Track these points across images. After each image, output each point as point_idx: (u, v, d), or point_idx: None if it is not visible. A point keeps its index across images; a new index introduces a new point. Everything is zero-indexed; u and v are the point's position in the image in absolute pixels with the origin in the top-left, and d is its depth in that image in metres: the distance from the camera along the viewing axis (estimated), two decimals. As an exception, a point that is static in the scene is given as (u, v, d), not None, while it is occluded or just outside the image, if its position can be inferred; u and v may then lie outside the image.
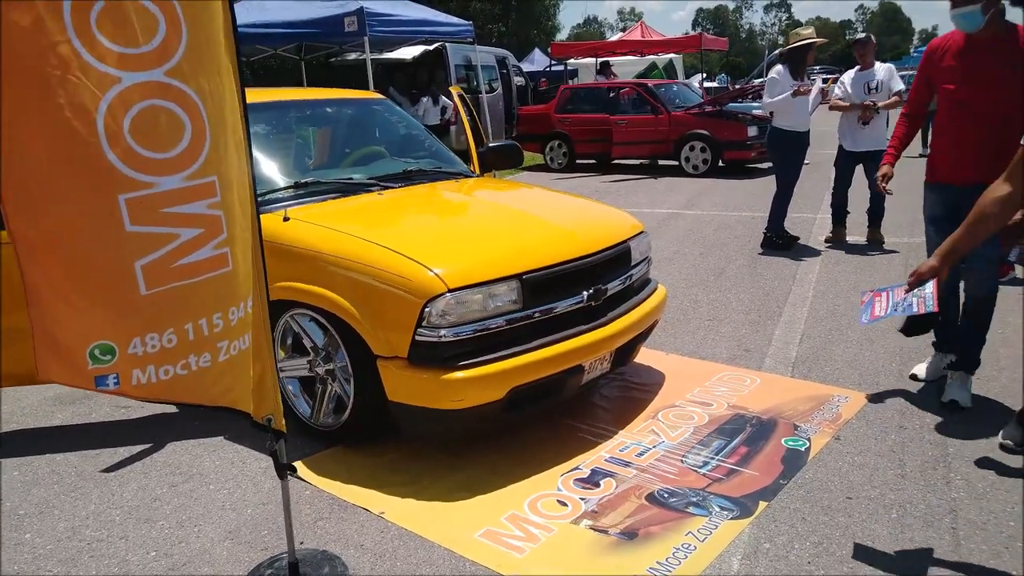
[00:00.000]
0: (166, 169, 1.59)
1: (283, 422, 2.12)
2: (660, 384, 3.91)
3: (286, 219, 3.25)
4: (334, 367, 3.15)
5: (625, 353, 3.53)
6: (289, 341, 3.32)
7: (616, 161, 13.45)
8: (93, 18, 1.46)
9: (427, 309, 2.80)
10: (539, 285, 3.07)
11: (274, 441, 2.11)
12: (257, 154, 3.74)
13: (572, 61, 19.65)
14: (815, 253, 6.72)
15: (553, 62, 19.48)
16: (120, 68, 1.51)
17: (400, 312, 2.85)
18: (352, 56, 14.42)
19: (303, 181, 3.62)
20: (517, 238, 3.26)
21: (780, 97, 6.59)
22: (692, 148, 12.38)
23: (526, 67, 22.39)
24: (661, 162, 12.93)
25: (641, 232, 3.84)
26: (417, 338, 2.83)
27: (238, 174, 1.79)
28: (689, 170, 12.41)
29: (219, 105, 1.68)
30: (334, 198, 3.57)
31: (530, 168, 14.41)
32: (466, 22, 9.56)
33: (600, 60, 16.25)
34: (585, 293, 3.23)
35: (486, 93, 16.53)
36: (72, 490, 3.05)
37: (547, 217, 3.53)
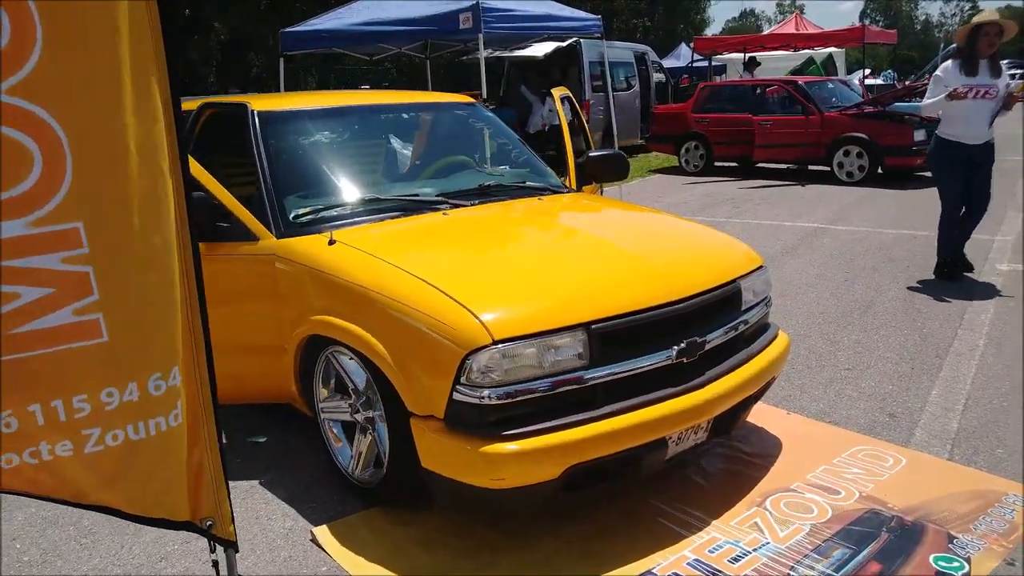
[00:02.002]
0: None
1: (231, 528, 1.67)
2: (775, 457, 3.18)
3: (331, 242, 2.83)
4: (374, 415, 2.71)
5: (728, 421, 2.86)
6: (332, 380, 2.91)
7: (760, 165, 12.33)
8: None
9: (467, 363, 2.29)
10: (613, 337, 2.48)
11: (218, 550, 1.66)
12: (309, 166, 3.38)
13: (720, 57, 18.47)
14: (991, 288, 5.60)
15: (697, 58, 18.40)
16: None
17: (437, 364, 2.36)
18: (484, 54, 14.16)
19: (363, 198, 3.19)
20: (592, 276, 2.67)
21: (931, 100, 5.53)
22: (847, 153, 11.11)
23: (671, 63, 21.39)
24: (812, 167, 11.71)
25: (759, 268, 3.13)
26: (455, 397, 2.32)
27: (155, 219, 1.36)
28: (843, 177, 11.15)
29: (106, 133, 1.25)
30: (394, 218, 3.13)
31: (663, 170, 13.58)
32: (594, 16, 8.93)
33: (747, 56, 15.07)
34: (675, 348, 2.60)
35: (622, 91, 15.86)
36: (87, 535, 2.79)
37: (635, 249, 2.91)
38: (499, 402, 2.30)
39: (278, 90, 9.33)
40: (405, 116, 3.86)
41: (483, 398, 2.29)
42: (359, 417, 2.77)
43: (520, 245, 2.93)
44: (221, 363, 3.25)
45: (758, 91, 12.32)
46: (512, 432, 2.30)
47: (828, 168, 11.29)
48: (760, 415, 3.43)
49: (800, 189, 10.94)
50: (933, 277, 5.83)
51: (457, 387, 2.31)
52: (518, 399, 2.33)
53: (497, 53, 14.28)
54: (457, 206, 3.28)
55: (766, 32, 18.83)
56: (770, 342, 3.12)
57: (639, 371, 2.53)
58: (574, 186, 4.16)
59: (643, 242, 3.05)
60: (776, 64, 18.60)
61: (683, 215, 9.15)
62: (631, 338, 2.54)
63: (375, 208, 3.16)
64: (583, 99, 14.41)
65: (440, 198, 3.30)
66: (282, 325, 2.94)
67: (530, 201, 3.51)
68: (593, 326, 2.44)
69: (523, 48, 13.89)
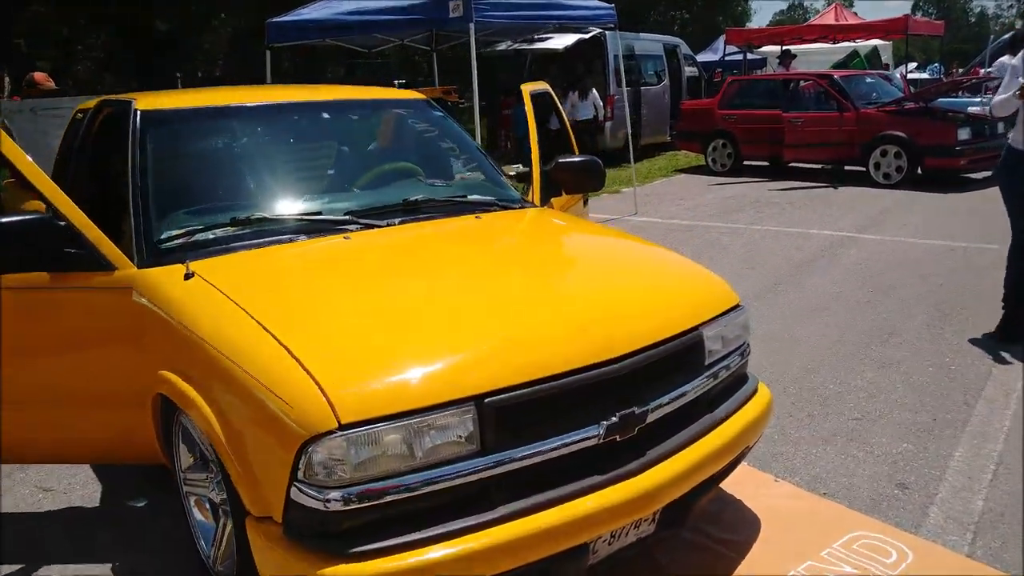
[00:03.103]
0: None
1: None
2: (750, 543, 2.57)
3: (188, 276, 2.30)
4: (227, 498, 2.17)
5: (683, 509, 2.26)
6: (197, 447, 2.37)
7: (793, 165, 11.50)
8: None
9: (306, 454, 1.73)
10: (516, 412, 1.90)
11: None
12: (197, 178, 2.86)
13: (761, 50, 17.51)
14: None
15: (732, 50, 17.55)
16: None
17: (271, 453, 1.80)
18: (502, 46, 13.56)
19: (250, 217, 2.64)
20: (499, 327, 2.08)
21: (1002, 97, 4.29)
22: (884, 153, 10.28)
23: (709, 57, 20.45)
24: (848, 168, 10.86)
25: (732, 309, 2.52)
26: (293, 497, 1.77)
27: None
28: (879, 179, 10.32)
29: None
30: (284, 242, 2.57)
31: (689, 170, 12.86)
32: (606, 5, 8.25)
33: (782, 48, 14.20)
34: (604, 423, 2.01)
35: (651, 86, 15.12)
36: None
37: (568, 290, 2.33)
38: (350, 507, 1.74)
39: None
40: (326, 116, 3.30)
41: (328, 501, 1.73)
42: (215, 496, 2.24)
43: (419, 283, 2.35)
44: (80, 416, 2.81)
45: (789, 86, 11.54)
46: (367, 548, 1.74)
47: (865, 169, 10.47)
48: (739, 482, 2.81)
49: (832, 192, 10.16)
50: (993, 331, 4.45)
51: (295, 484, 1.75)
52: (378, 502, 1.76)
53: (516, 46, 13.69)
54: (370, 227, 2.72)
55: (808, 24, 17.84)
56: (743, 403, 2.50)
57: (552, 456, 1.95)
58: (536, 199, 3.57)
59: (582, 280, 2.46)
60: (818, 57, 17.61)
61: (700, 219, 8.56)
62: (542, 413, 1.96)
63: (263, 230, 2.60)
64: (607, 93, 13.75)
65: (349, 217, 2.74)
66: (141, 374, 2.41)
67: (462, 221, 2.93)
68: (488, 399, 1.86)
69: (544, 40, 13.26)
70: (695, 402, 2.32)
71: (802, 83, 11.28)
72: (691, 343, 2.31)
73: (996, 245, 6.58)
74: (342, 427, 1.72)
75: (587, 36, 13.39)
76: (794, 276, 5.96)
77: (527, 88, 4.08)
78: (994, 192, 4.89)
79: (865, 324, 4.79)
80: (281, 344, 1.89)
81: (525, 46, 13.48)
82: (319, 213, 2.76)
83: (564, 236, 3.02)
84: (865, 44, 18.07)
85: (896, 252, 6.64)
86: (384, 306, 2.18)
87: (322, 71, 19.14)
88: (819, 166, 11.45)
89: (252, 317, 2.02)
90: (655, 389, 2.17)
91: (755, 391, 2.61)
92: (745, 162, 12.03)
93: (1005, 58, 10.28)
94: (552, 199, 3.79)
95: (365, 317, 2.11)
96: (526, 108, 3.99)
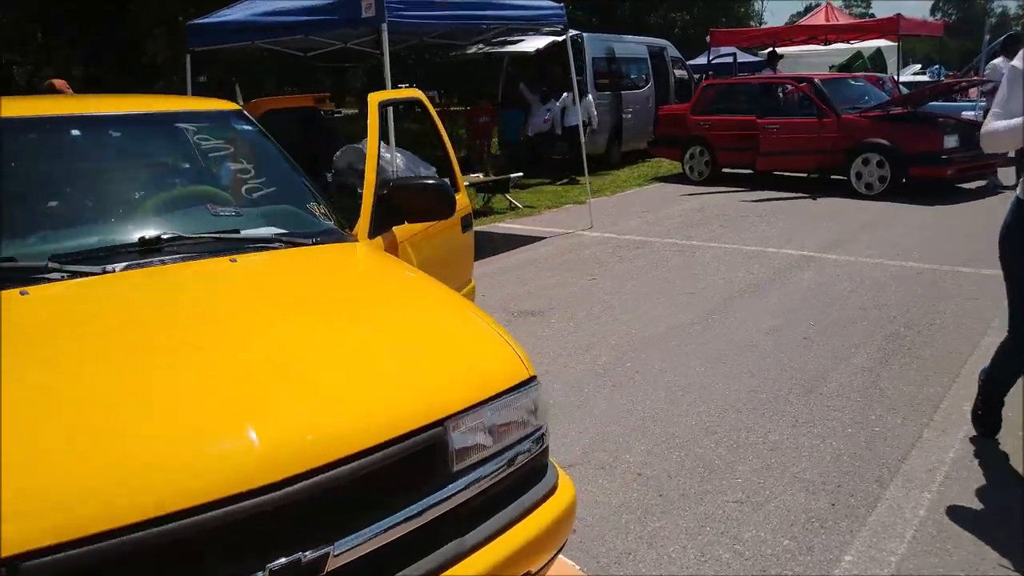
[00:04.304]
0: None
1: None
2: None
3: None
4: None
5: None
6: None
7: (777, 173, 10.79)
8: None
9: None
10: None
11: None
12: None
13: (773, 50, 16.62)
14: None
15: (725, 51, 16.85)
16: None
17: None
18: (471, 50, 12.97)
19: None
20: (88, 449, 1.48)
21: (1006, 125, 2.74)
22: (866, 161, 9.60)
23: (715, 59, 19.67)
24: (834, 177, 10.15)
25: (513, 388, 1.93)
26: None
27: None
28: (861, 189, 9.65)
29: None
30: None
31: (668, 178, 12.22)
32: (555, 5, 7.62)
33: (769, 50, 13.50)
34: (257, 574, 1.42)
35: (633, 89, 14.49)
36: None
37: (253, 377, 1.73)
38: None
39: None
40: (76, 133, 2.72)
41: None
42: None
43: (46, 373, 1.77)
44: None
45: (768, 90, 10.87)
46: None
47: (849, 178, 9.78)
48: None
49: (810, 203, 9.49)
50: (972, 425, 3.32)
51: None
52: None
53: (487, 49, 13.11)
54: (77, 275, 2.15)
55: (801, 23, 17.02)
56: (525, 513, 1.90)
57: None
58: (364, 228, 2.99)
59: (287, 361, 1.84)
60: (813, 60, 16.87)
61: (656, 235, 7.87)
62: (147, 570, 1.37)
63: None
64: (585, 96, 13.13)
65: (50, 264, 2.16)
66: None
67: (206, 266, 2.34)
68: (27, 563, 1.28)
69: (516, 43, 12.66)
70: (432, 525, 1.72)
71: (780, 87, 10.60)
72: (421, 447, 1.70)
73: (970, 268, 5.93)
74: None
75: (560, 39, 12.79)
76: (733, 304, 5.33)
77: (375, 98, 3.49)
78: (981, 205, 4.23)
79: (794, 367, 4.16)
80: None
81: (496, 49, 12.89)
82: (11, 259, 2.19)
83: (325, 289, 2.40)
84: (868, 45, 17.31)
85: (857, 275, 5.98)
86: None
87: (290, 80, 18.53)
88: (804, 175, 10.79)
89: None
90: (351, 520, 1.58)
91: (552, 490, 2.01)
92: (725, 170, 11.38)
93: (998, 60, 9.55)
94: (394, 227, 3.22)
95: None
96: (369, 121, 3.41)
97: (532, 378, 2.02)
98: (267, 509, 1.45)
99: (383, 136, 8.00)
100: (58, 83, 6.45)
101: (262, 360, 1.82)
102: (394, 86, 6.80)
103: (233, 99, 4.28)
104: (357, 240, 2.91)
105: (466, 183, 9.54)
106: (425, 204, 3.06)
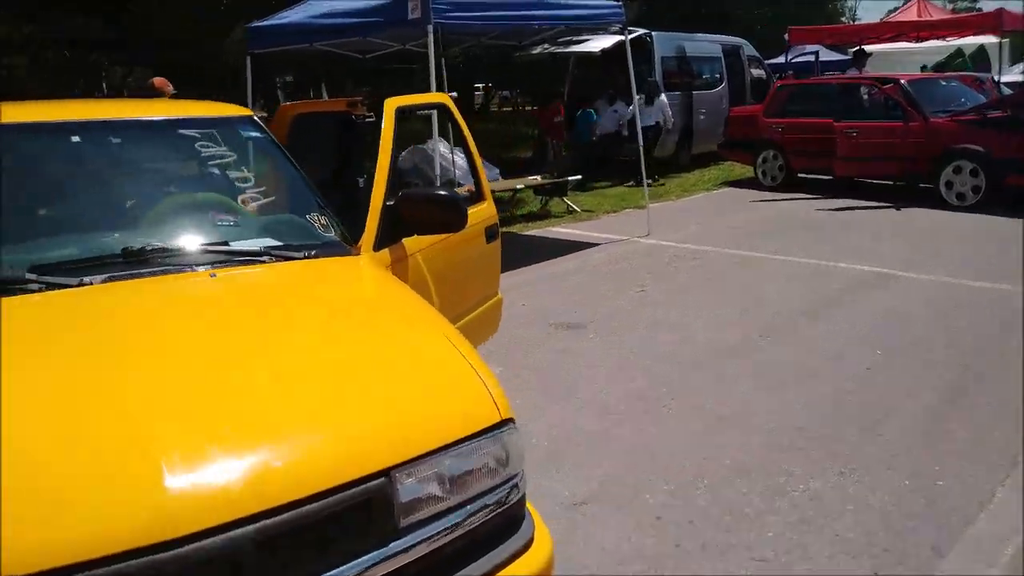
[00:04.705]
0: None
1: None
2: None
3: None
4: None
5: None
6: None
7: (860, 179, 10.05)
8: None
9: None
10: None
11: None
12: None
13: (860, 49, 15.67)
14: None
15: (808, 49, 16.01)
16: None
17: None
18: (536, 50, 12.68)
19: None
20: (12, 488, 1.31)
21: None
22: (957, 170, 8.86)
23: (796, 58, 18.77)
24: (923, 185, 9.42)
25: (481, 433, 1.69)
26: None
27: None
28: (951, 200, 8.91)
29: None
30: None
31: (740, 183, 11.66)
32: (614, 4, 7.27)
33: (856, 48, 12.70)
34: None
35: (705, 90, 13.93)
36: None
37: (193, 415, 1.52)
38: None
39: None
40: (76, 140, 2.58)
41: None
42: None
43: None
44: None
45: (847, 91, 10.18)
46: None
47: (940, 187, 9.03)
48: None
49: (893, 214, 8.83)
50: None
51: None
52: None
53: (552, 49, 12.81)
54: (55, 287, 2.03)
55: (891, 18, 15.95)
56: (490, 573, 1.65)
57: None
58: (369, 240, 2.79)
59: (208, 394, 1.62)
60: (908, 59, 15.83)
61: (716, 244, 7.34)
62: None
63: None
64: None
65: (30, 276, 2.04)
66: None
67: (182, 281, 2.17)
68: None
69: (581, 43, 12.32)
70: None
71: (861, 88, 9.91)
72: (359, 499, 1.48)
73: (1067, 293, 5.31)
74: None
75: (626, 37, 12.39)
76: (790, 326, 4.90)
77: (392, 104, 3.28)
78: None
79: (851, 402, 3.73)
80: None
81: (561, 49, 12.57)
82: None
83: (298, 311, 2.16)
84: (970, 42, 16.13)
85: (938, 297, 5.43)
86: None
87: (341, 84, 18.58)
88: (890, 182, 10.04)
89: None
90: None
91: (526, 544, 1.76)
92: (801, 175, 10.73)
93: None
94: (404, 240, 3.02)
95: None
96: (383, 129, 3.21)
97: (505, 421, 1.78)
98: (167, 569, 1.26)
99: (443, 135, 7.74)
100: (158, 82, 6.03)
101: (201, 392, 1.64)
102: (457, 88, 6.63)
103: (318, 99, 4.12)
104: (359, 253, 2.71)
105: (519, 186, 9.33)
106: (434, 216, 2.88)
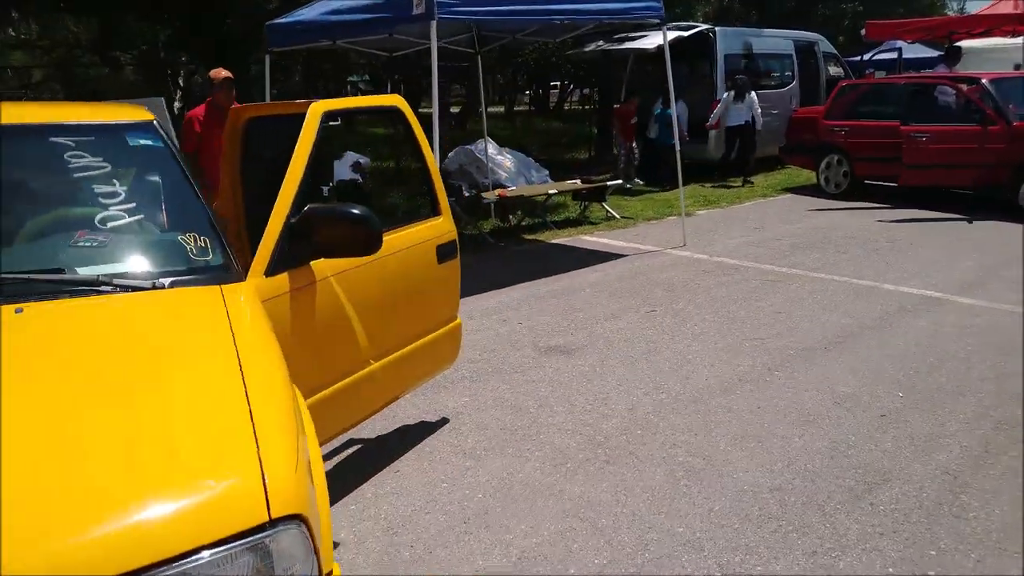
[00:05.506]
0: None
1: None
2: None
3: None
4: None
5: None
6: None
7: (933, 188, 9.14)
8: None
9: None
10: None
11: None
12: None
13: (952, 44, 14.50)
14: None
15: (898, 44, 14.92)
16: None
17: None
18: (589, 47, 12.20)
19: None
20: None
21: None
22: (1042, 180, 7.92)
23: (883, 56, 17.61)
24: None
25: (221, 542, 1.35)
26: None
27: None
28: (1033, 212, 7.99)
29: None
30: None
31: (801, 189, 10.88)
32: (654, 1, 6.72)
33: (948, 45, 11.64)
34: None
35: (771, 89, 13.11)
36: None
37: None
38: None
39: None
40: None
41: None
42: None
43: None
44: None
45: (917, 92, 9.28)
46: None
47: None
48: None
49: (963, 227, 7.98)
50: None
51: None
52: None
53: (605, 46, 12.29)
54: None
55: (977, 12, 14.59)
56: None
57: None
58: (260, 265, 2.49)
59: None
60: (1005, 56, 14.49)
61: (757, 259, 6.74)
62: None
63: None
64: (714, 97, 12.04)
65: None
66: None
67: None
68: None
69: (636, 39, 11.76)
70: None
71: (933, 88, 9.02)
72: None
73: None
74: None
75: (686, 34, 11.77)
76: (807, 359, 4.33)
77: (317, 108, 2.97)
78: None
79: (851, 458, 3.19)
80: None
81: (615, 46, 12.03)
82: None
83: (78, 367, 1.81)
84: (1077, 38, 14.63)
85: (991, 330, 4.74)
86: None
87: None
88: (969, 191, 9.09)
89: None
90: None
91: None
92: (867, 182, 9.89)
93: None
94: (316, 262, 2.72)
95: None
96: (302, 134, 2.91)
97: (276, 521, 1.41)
98: None
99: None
100: (213, 73, 5.73)
101: None
102: (493, 88, 6.27)
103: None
104: (243, 279, 2.40)
105: (552, 191, 8.89)
106: (343, 236, 2.55)
